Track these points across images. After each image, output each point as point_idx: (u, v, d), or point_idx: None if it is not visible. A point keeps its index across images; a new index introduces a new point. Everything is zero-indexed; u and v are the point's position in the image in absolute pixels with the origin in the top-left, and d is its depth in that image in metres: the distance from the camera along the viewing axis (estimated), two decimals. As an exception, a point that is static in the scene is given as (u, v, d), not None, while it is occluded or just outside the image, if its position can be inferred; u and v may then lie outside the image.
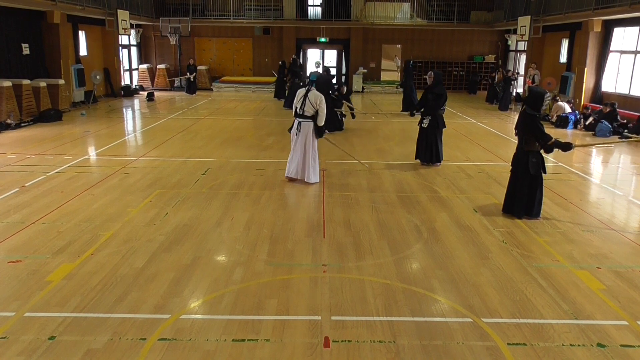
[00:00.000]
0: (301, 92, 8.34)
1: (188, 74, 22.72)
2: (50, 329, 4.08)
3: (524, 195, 6.82)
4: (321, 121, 8.29)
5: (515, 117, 17.46)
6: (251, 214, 7.00)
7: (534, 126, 6.57)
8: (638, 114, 14.23)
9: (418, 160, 10.07)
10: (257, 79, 25.06)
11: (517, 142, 6.93)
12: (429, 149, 9.84)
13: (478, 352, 3.88)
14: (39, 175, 8.69)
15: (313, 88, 8.28)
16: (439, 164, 9.90)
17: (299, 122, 8.32)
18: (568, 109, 15.41)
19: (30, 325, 4.14)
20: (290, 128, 8.74)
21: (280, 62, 21.38)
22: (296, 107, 8.34)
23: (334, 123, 13.33)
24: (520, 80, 22.34)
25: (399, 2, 25.02)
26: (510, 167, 7.00)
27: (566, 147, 6.62)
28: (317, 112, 8.24)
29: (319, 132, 8.38)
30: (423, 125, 9.78)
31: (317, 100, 8.18)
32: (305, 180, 8.52)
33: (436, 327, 4.23)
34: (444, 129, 9.92)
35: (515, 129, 6.92)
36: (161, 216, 6.82)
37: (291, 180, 8.60)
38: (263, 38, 25.62)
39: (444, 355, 3.84)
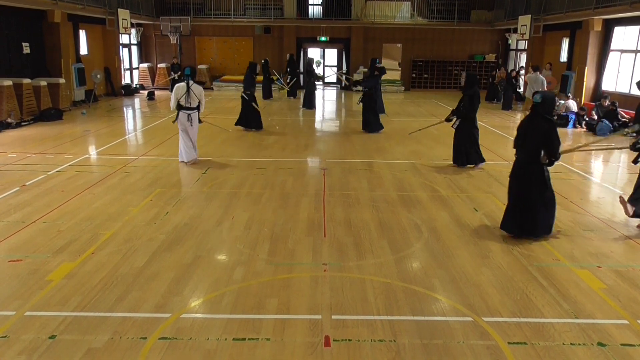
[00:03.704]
0: (182, 87, 9.32)
1: (172, 73, 22.77)
2: (50, 328, 4.09)
3: (544, 212, 6.05)
4: (202, 109, 9.52)
5: (517, 116, 17.45)
6: (252, 213, 7.00)
7: (553, 136, 5.81)
8: None
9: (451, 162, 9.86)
10: (258, 78, 24.99)
11: (520, 154, 6.09)
12: (459, 151, 9.67)
13: (479, 351, 3.88)
14: (40, 174, 8.69)
15: (192, 82, 9.39)
16: (474, 165, 9.60)
17: (189, 114, 9.41)
18: (575, 108, 15.38)
19: (30, 324, 4.14)
20: (175, 120, 9.56)
21: (262, 61, 21.42)
22: (180, 101, 9.35)
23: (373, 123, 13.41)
24: (521, 80, 22.31)
25: (400, 1, 24.99)
26: (512, 183, 6.17)
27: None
28: (199, 102, 9.41)
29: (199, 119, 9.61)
30: (454, 126, 9.65)
31: (199, 92, 9.38)
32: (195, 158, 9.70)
33: (437, 326, 4.23)
34: (477, 131, 9.60)
35: (519, 139, 6.10)
36: (162, 215, 6.82)
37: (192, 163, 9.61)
38: (264, 37, 25.60)
39: (445, 355, 3.84)
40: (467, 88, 9.51)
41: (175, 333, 4.06)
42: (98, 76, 19.24)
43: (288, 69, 21.09)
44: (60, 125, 13.95)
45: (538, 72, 15.52)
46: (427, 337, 4.06)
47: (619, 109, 14.18)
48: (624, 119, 14.08)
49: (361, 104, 13.51)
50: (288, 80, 20.80)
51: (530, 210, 6.03)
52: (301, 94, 21.42)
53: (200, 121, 9.61)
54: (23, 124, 13.82)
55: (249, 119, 13.40)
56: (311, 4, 25.90)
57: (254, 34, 25.57)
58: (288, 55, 21.81)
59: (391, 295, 4.74)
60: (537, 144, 5.91)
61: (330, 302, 4.59)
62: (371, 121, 13.42)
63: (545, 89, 15.92)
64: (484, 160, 9.72)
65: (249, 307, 4.48)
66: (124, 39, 22.95)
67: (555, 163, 6.05)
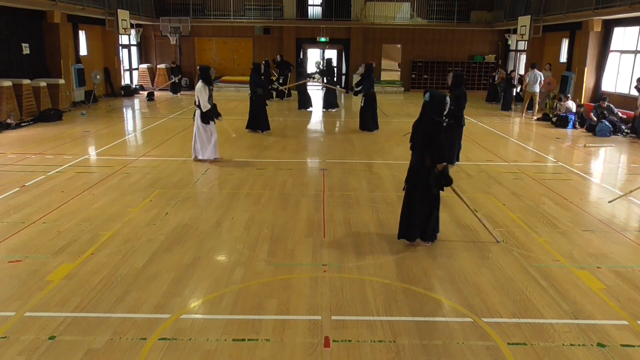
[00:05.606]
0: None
1: (172, 76, 22.81)
2: (50, 328, 4.09)
3: (424, 216, 5.84)
4: (203, 108, 9.60)
5: (516, 117, 17.46)
6: (251, 213, 7.00)
7: (439, 137, 5.55)
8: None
9: None
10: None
11: (412, 155, 5.84)
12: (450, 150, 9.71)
13: (478, 352, 3.88)
14: (39, 175, 8.69)
15: (199, 81, 9.66)
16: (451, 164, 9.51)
17: (195, 111, 9.87)
18: (574, 109, 15.39)
19: (30, 325, 4.14)
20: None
21: (263, 62, 21.33)
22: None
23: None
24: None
25: (399, 2, 24.99)
26: (405, 186, 5.94)
27: (448, 181, 5.66)
28: (198, 100, 9.66)
29: (202, 117, 9.69)
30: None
31: (197, 91, 9.66)
32: (198, 156, 9.91)
33: (436, 326, 4.23)
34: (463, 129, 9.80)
35: (412, 140, 5.84)
36: (161, 216, 6.82)
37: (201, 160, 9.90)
38: (263, 38, 25.60)
39: (444, 355, 3.84)
40: (453, 87, 9.52)
41: (175, 334, 4.06)
42: (98, 77, 19.24)
43: (278, 70, 21.03)
44: (59, 126, 13.95)
45: (535, 70, 16.94)
46: (427, 337, 4.06)
47: (617, 110, 14.21)
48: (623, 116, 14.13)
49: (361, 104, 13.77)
50: (280, 82, 20.76)
51: (411, 214, 5.84)
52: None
53: (206, 121, 9.66)
54: (23, 124, 13.82)
55: (259, 120, 13.35)
56: (311, 5, 25.90)
57: (253, 35, 25.56)
58: (278, 56, 21.72)
59: (391, 295, 4.74)
60: (424, 146, 5.65)
61: (330, 302, 4.59)
62: (369, 121, 13.72)
63: (543, 85, 16.97)
64: (458, 160, 9.99)
65: (249, 308, 4.48)
66: (124, 39, 22.94)
67: (448, 168, 5.68)
